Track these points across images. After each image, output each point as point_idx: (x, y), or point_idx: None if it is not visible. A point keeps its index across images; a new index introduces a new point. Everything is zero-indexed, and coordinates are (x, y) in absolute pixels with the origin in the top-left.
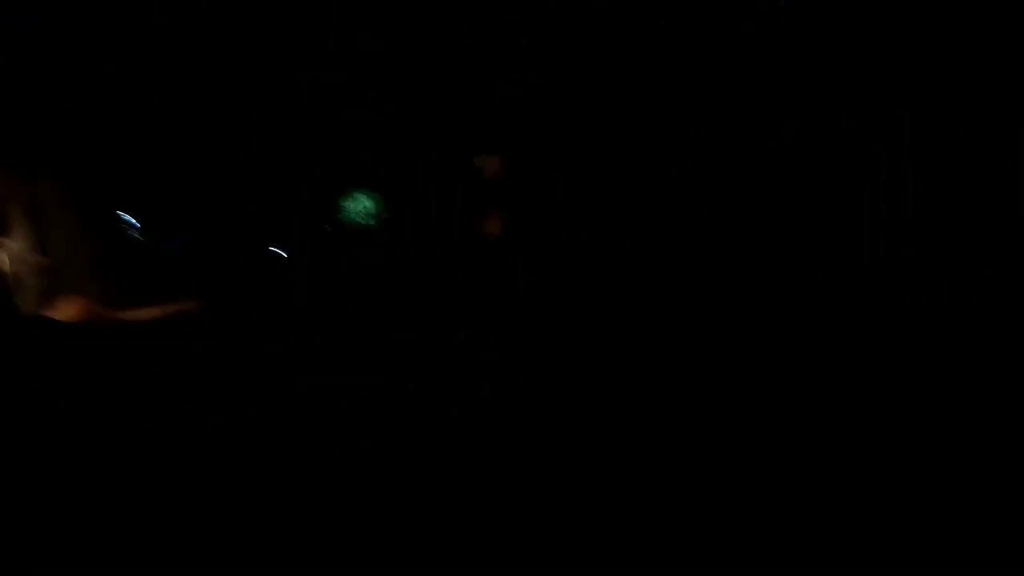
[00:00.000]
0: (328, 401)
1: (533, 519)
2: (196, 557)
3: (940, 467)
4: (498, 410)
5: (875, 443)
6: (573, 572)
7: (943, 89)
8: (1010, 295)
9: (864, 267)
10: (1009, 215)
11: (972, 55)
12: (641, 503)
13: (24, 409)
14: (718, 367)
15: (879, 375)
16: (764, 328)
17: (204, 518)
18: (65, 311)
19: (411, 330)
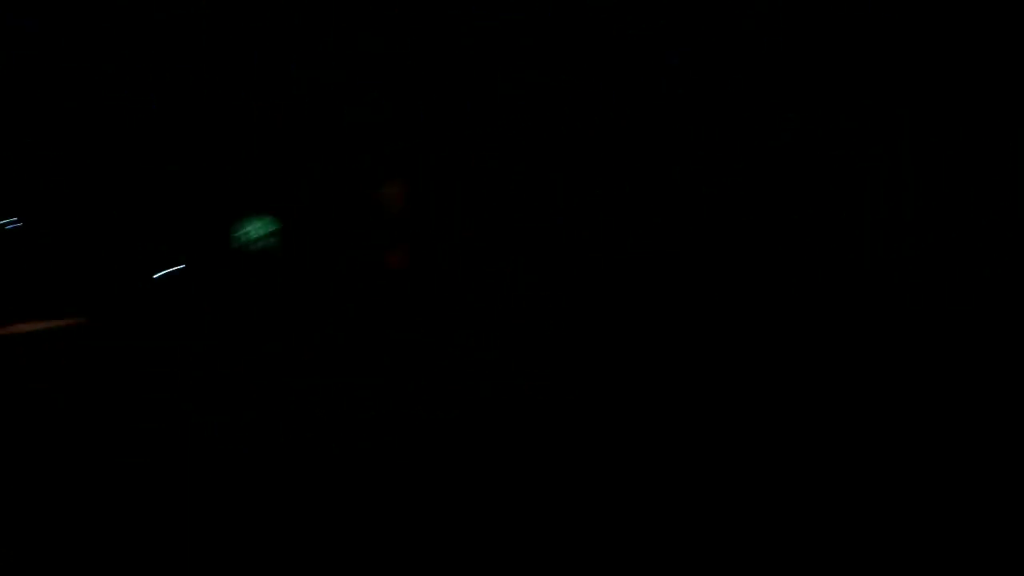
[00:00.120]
0: (327, 401)
1: (533, 519)
2: (196, 557)
3: (940, 465)
4: (498, 410)
5: (875, 441)
6: (573, 572)
7: (943, 89)
8: (1010, 295)
9: (864, 266)
10: (1009, 215)
11: (972, 55)
12: (641, 503)
13: (25, 409)
14: (718, 366)
15: (879, 374)
16: (764, 327)
17: (204, 518)
18: None
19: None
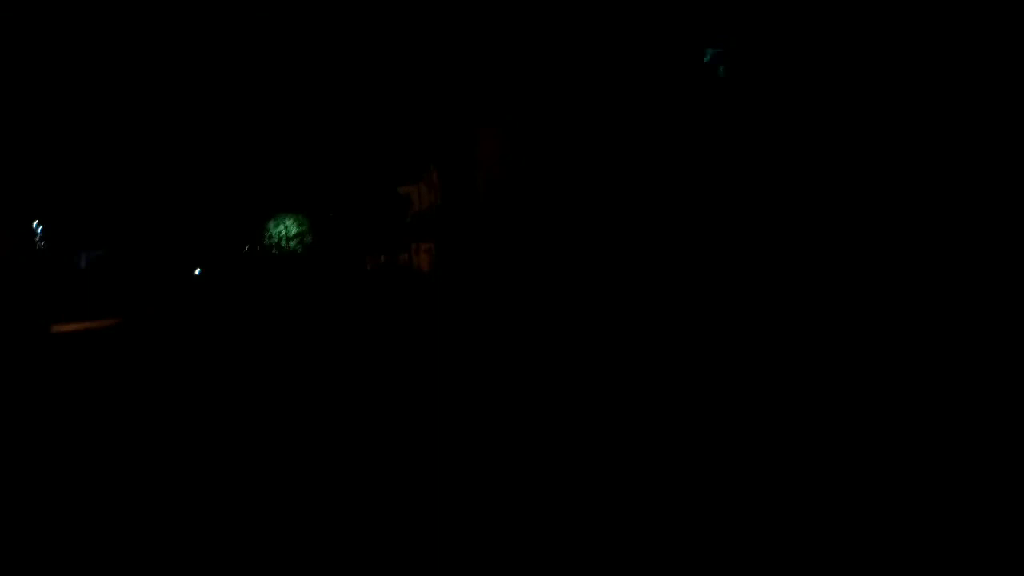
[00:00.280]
0: (328, 401)
1: (532, 519)
2: (196, 556)
3: (939, 464)
4: (498, 410)
5: (874, 440)
6: (573, 572)
7: (943, 89)
8: (1010, 295)
9: (864, 266)
10: (1009, 215)
11: (972, 55)
12: (641, 502)
13: (24, 409)
14: (717, 365)
15: (878, 373)
16: (763, 326)
17: (204, 517)
18: None
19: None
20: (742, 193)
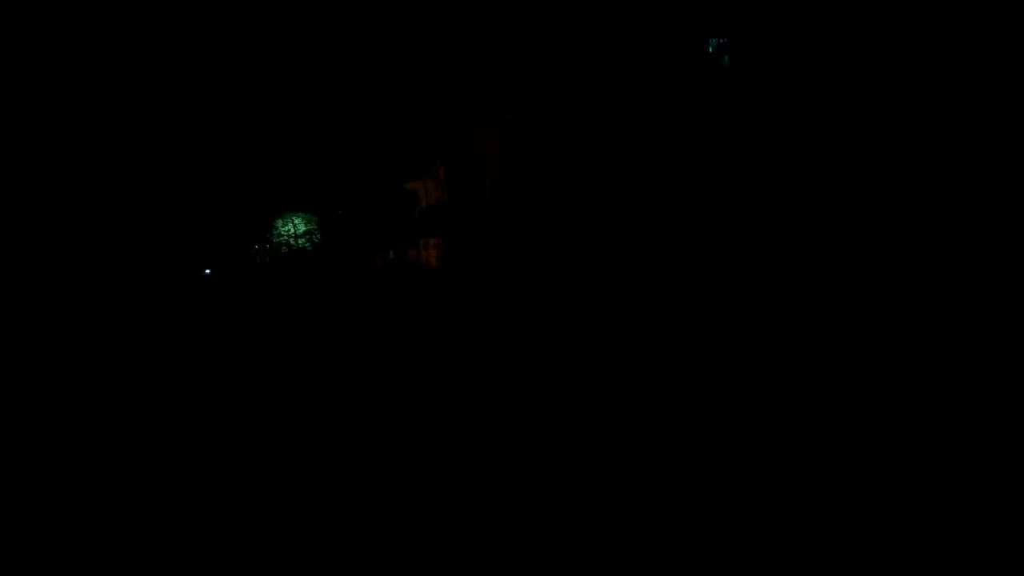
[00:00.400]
0: (328, 401)
1: (532, 518)
2: (196, 556)
3: (939, 464)
4: (498, 409)
5: (874, 439)
6: (573, 571)
7: (943, 89)
8: (1010, 295)
9: (863, 265)
10: (1009, 215)
11: (972, 55)
12: (640, 501)
13: (24, 409)
14: (725, 360)
15: (878, 373)
16: (763, 326)
17: (204, 517)
18: None
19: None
20: (749, 186)
